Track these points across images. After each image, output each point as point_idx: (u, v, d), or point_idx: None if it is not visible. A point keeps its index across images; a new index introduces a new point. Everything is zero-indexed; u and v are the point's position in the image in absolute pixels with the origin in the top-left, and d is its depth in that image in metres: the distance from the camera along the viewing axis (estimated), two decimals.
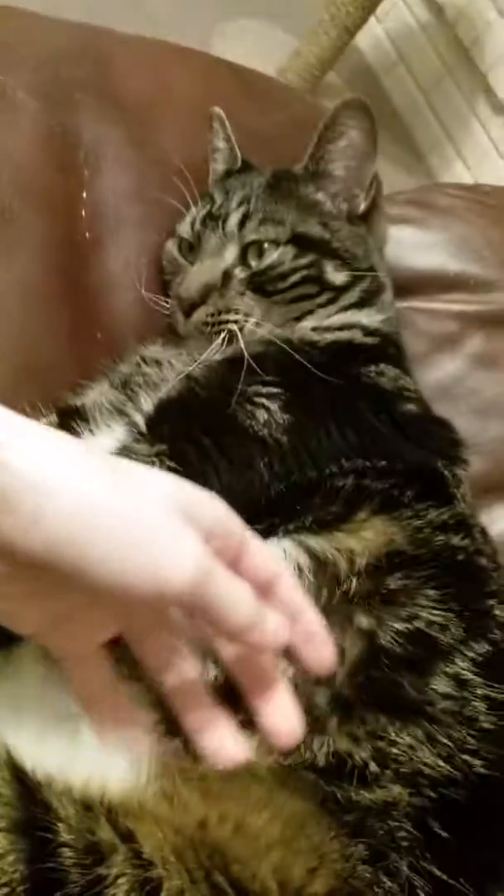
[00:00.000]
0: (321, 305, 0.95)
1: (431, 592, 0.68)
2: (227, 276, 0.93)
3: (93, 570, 0.45)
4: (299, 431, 0.78)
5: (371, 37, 2.92)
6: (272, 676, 0.54)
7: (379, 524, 0.73)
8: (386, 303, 1.01)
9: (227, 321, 0.90)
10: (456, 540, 0.75)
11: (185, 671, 0.55)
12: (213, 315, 0.92)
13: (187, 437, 0.76)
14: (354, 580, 0.68)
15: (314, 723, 0.61)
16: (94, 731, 0.56)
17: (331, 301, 0.95)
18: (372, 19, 2.56)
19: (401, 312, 1.16)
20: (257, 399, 0.80)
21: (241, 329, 0.89)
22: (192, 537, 0.48)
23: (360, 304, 0.97)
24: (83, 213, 0.99)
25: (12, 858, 0.49)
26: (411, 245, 1.19)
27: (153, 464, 0.72)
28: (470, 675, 0.65)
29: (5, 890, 0.48)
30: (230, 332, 0.89)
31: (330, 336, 0.93)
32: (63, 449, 0.48)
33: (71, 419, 0.85)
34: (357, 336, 0.95)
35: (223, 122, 1.09)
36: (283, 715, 0.53)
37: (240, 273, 0.93)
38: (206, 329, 0.92)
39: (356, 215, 1.01)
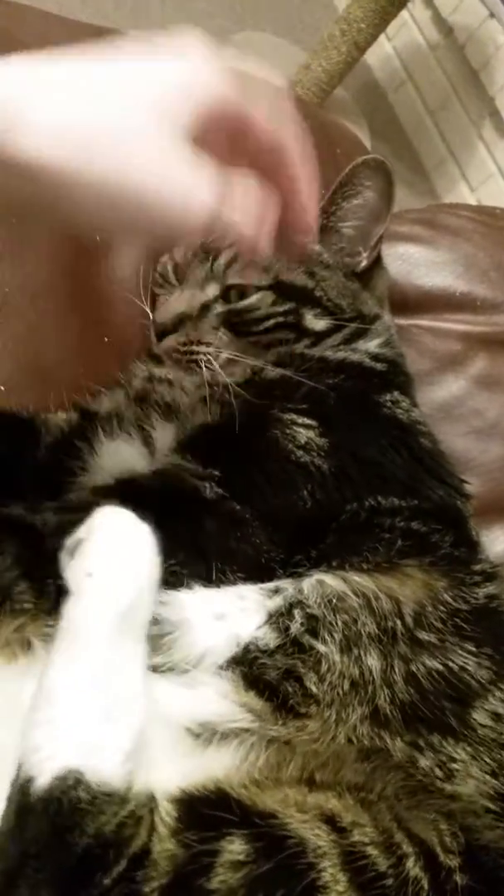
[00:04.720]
0: (302, 350, 0.95)
1: (467, 643, 0.74)
2: (204, 308, 0.94)
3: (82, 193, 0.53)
4: (337, 459, 0.82)
5: (380, 54, 2.94)
6: None
7: (422, 574, 0.77)
8: (379, 329, 1.01)
9: (198, 352, 0.91)
10: (491, 588, 0.80)
11: None
12: (183, 344, 0.93)
13: (235, 465, 0.80)
14: (399, 622, 0.73)
15: (380, 719, 0.69)
16: None
17: (313, 345, 0.95)
18: (382, 37, 2.58)
19: (406, 330, 1.16)
20: (295, 427, 0.83)
21: (213, 359, 0.90)
22: (204, 176, 0.54)
23: (347, 342, 0.97)
24: None
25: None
26: (419, 264, 1.19)
27: (205, 487, 0.77)
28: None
29: None
30: (200, 361, 0.90)
31: (339, 355, 0.94)
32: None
33: (90, 421, 0.89)
34: (366, 360, 0.96)
35: None
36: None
37: (218, 307, 0.94)
38: (175, 356, 0.93)
39: (354, 272, 1.00)
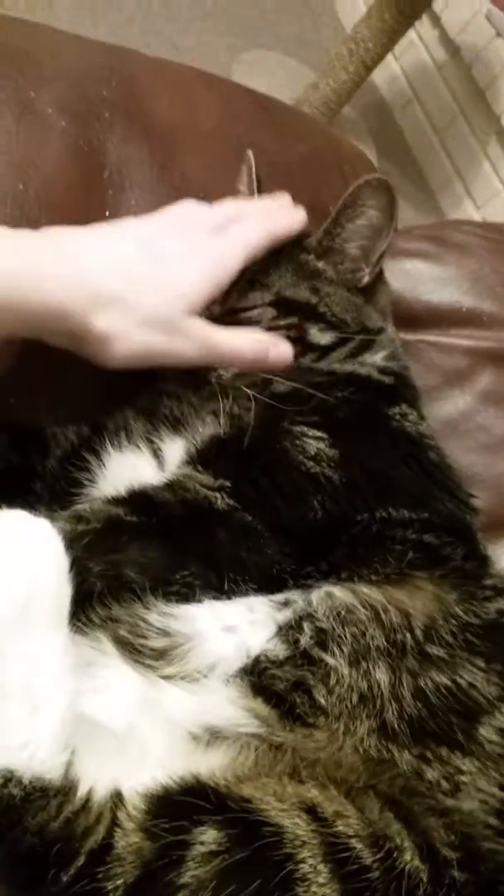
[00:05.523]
0: (310, 364, 0.95)
1: (477, 659, 0.74)
2: None
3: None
4: (348, 470, 0.82)
5: (388, 73, 2.96)
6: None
7: (433, 587, 0.77)
8: (384, 341, 1.01)
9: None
10: (501, 604, 0.79)
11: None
12: None
13: (246, 476, 0.80)
14: (409, 635, 0.73)
15: (388, 732, 0.68)
16: None
17: (319, 358, 0.96)
18: (389, 56, 2.60)
19: (413, 345, 1.16)
20: (306, 439, 0.84)
21: (221, 375, 0.91)
22: (197, 343, 0.83)
23: (353, 355, 0.98)
24: None
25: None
26: (426, 279, 1.20)
27: (216, 497, 0.78)
28: None
29: None
30: (209, 377, 0.90)
31: (348, 368, 0.94)
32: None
33: (99, 434, 0.90)
34: (374, 373, 0.96)
35: (250, 166, 1.08)
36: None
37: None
38: (182, 373, 0.93)
39: (357, 287, 1.00)
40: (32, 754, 0.57)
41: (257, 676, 0.70)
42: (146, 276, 0.81)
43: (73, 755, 0.59)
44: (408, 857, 0.59)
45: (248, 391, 0.87)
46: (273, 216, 0.93)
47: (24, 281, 0.73)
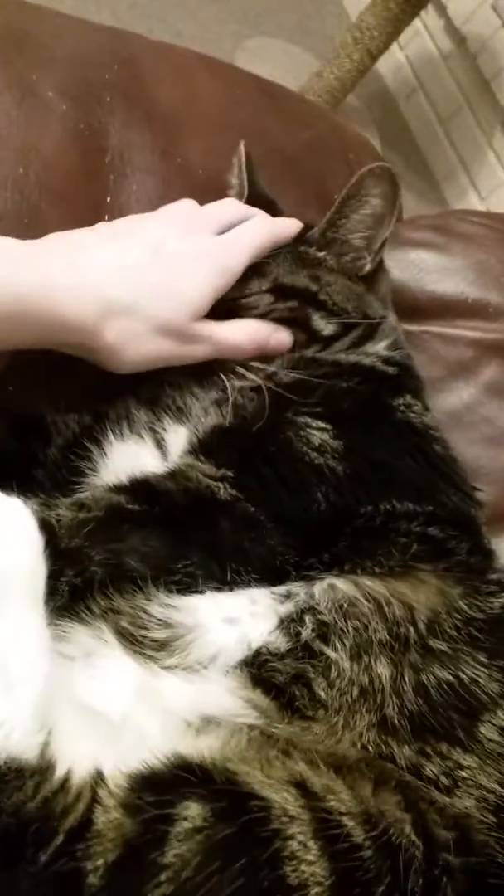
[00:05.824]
0: (314, 354, 0.94)
1: (480, 654, 0.72)
2: None
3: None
4: (352, 461, 0.82)
5: (392, 62, 2.94)
6: None
7: (437, 580, 0.76)
8: (386, 330, 1.00)
9: None
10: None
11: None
12: None
13: (249, 466, 0.80)
14: (412, 629, 0.72)
15: (388, 727, 0.67)
16: None
17: (324, 349, 0.95)
18: (394, 45, 2.58)
19: (417, 336, 1.15)
20: (310, 430, 0.83)
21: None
22: (202, 343, 0.84)
23: (356, 345, 0.97)
24: (106, 217, 0.98)
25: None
26: (431, 270, 1.18)
27: (219, 487, 0.78)
28: None
29: None
30: (213, 366, 0.89)
31: (352, 358, 0.93)
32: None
33: (101, 422, 0.89)
34: (378, 364, 0.95)
35: (241, 157, 1.06)
36: None
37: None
38: None
39: (358, 276, 0.99)
40: (7, 735, 0.56)
41: (257, 668, 0.69)
42: (154, 283, 0.81)
43: (51, 736, 0.58)
44: (407, 829, 0.57)
45: (257, 381, 0.86)
46: (273, 219, 0.93)
47: (35, 291, 0.73)
